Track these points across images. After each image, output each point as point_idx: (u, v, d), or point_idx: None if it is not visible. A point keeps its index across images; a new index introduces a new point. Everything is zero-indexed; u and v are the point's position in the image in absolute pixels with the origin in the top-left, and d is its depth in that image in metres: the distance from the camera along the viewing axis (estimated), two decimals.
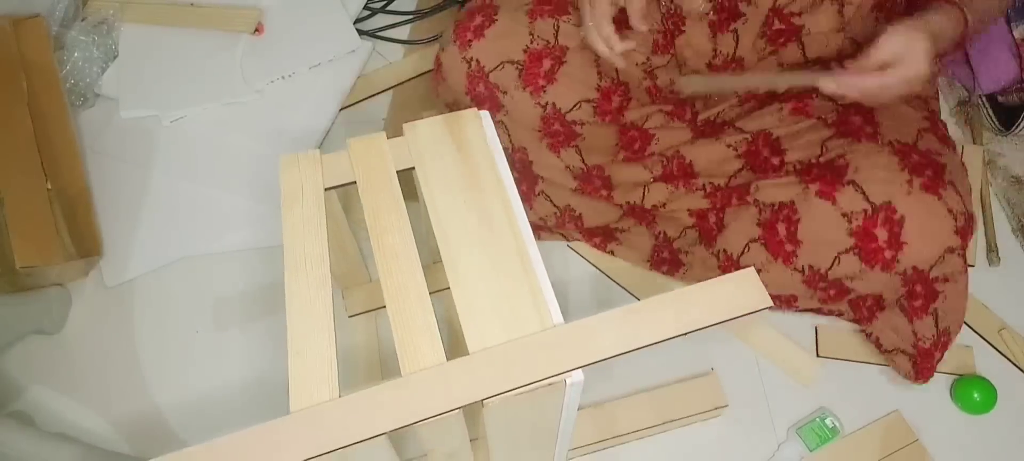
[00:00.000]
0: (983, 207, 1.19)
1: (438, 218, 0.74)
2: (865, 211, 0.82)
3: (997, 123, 1.24)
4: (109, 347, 1.09)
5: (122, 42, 1.33)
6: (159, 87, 1.29)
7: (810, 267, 0.88)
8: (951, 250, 0.82)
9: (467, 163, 0.79)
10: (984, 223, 1.17)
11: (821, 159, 0.86)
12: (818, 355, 1.06)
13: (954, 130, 1.28)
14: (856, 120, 0.86)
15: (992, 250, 1.14)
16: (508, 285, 0.70)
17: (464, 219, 0.74)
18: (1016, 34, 1.22)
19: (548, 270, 0.72)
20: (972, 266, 1.13)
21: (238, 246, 1.17)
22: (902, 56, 0.78)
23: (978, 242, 1.16)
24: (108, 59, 1.32)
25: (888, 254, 0.82)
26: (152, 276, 1.14)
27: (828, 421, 0.98)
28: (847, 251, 0.84)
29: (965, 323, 1.08)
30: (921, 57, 0.77)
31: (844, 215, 0.83)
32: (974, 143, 1.24)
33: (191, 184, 1.22)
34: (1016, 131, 1.20)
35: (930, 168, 0.81)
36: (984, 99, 1.27)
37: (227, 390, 1.06)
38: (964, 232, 0.81)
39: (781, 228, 0.88)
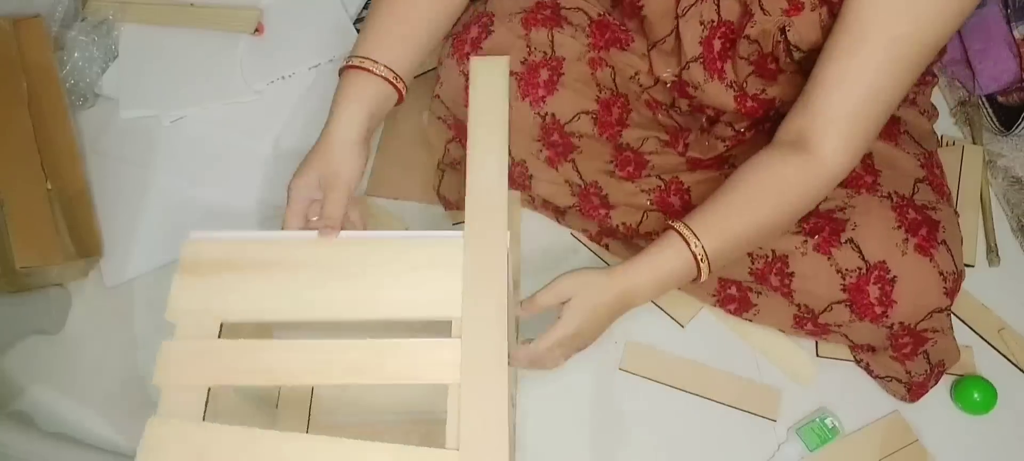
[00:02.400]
0: (983, 207, 1.19)
1: None
2: (859, 269, 0.84)
3: (997, 123, 1.24)
4: (109, 347, 1.09)
5: (122, 42, 1.33)
6: (159, 87, 1.28)
7: (805, 306, 0.91)
8: (939, 310, 0.85)
9: None
10: (984, 223, 1.17)
11: (820, 207, 0.87)
12: (818, 355, 1.06)
13: (954, 130, 1.28)
14: (856, 168, 0.86)
15: (992, 250, 1.14)
16: None
17: None
18: (1016, 34, 1.22)
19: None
20: (972, 266, 1.13)
21: None
22: (573, 307, 0.76)
23: (978, 242, 1.16)
24: (108, 59, 1.32)
25: (878, 309, 0.84)
26: (152, 276, 1.14)
27: (828, 421, 0.98)
28: (839, 302, 0.87)
29: (965, 323, 1.08)
30: (591, 321, 0.76)
31: (839, 271, 0.85)
32: (974, 143, 1.24)
33: (191, 184, 1.22)
34: (1016, 131, 1.20)
35: (925, 226, 0.83)
36: (984, 99, 1.27)
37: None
38: (952, 291, 0.84)
39: (774, 279, 0.89)
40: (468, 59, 0.94)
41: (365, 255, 0.70)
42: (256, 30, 1.34)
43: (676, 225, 0.78)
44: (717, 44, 0.89)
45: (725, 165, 0.97)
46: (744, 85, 0.92)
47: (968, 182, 1.20)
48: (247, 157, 1.24)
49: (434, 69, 1.29)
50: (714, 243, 0.77)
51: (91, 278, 1.14)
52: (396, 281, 0.68)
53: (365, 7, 1.42)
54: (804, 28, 0.80)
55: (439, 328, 0.67)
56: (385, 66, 0.78)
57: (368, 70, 0.77)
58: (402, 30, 0.80)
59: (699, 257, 0.77)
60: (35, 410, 1.04)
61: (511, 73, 0.93)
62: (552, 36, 0.93)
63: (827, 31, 0.78)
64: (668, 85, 0.98)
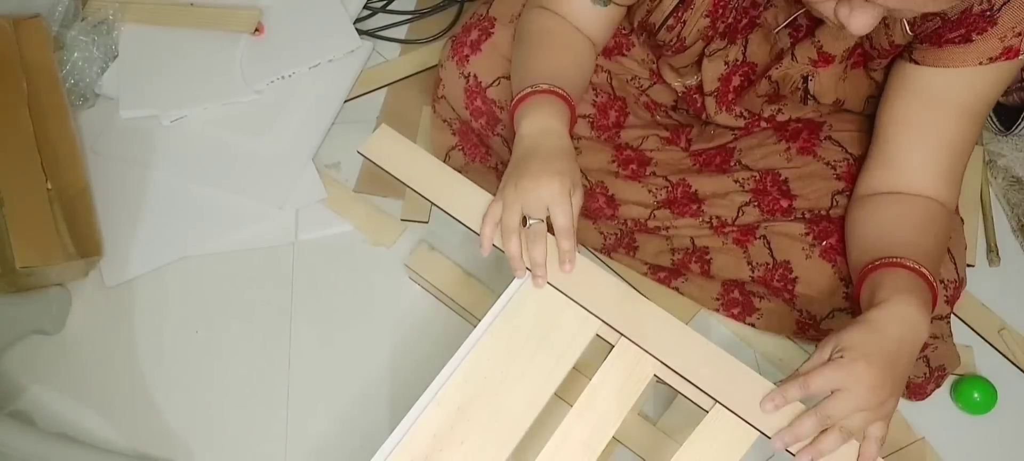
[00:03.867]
0: (983, 207, 1.19)
1: None
2: None
3: (997, 123, 1.24)
4: (109, 347, 1.09)
5: (122, 42, 1.33)
6: (159, 87, 1.28)
7: (808, 312, 0.91)
8: (939, 317, 0.86)
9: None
10: (984, 223, 1.17)
11: (830, 212, 0.87)
12: None
13: None
14: None
15: (992, 250, 1.14)
16: None
17: None
18: None
19: None
20: (972, 266, 1.13)
21: (238, 246, 1.17)
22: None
23: (978, 242, 1.16)
24: (108, 59, 1.32)
25: None
26: (152, 276, 1.14)
27: None
28: (842, 310, 0.87)
29: (965, 323, 1.08)
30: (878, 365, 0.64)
31: (842, 279, 0.85)
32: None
33: (191, 184, 1.22)
34: (1016, 131, 1.20)
35: None
36: None
37: (227, 390, 1.06)
38: (952, 299, 0.85)
39: (777, 284, 0.89)
40: (468, 61, 0.95)
41: None
42: (256, 30, 1.34)
43: (908, 264, 0.71)
44: (735, 80, 0.90)
45: (731, 160, 0.97)
46: (760, 112, 0.93)
47: (968, 182, 1.20)
48: (247, 157, 1.23)
49: (434, 67, 1.30)
50: (930, 268, 0.71)
51: (91, 278, 1.14)
52: None
53: (365, 7, 1.42)
54: (827, 81, 0.82)
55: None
56: (561, 89, 0.80)
57: (552, 92, 0.79)
58: (561, 64, 0.84)
59: (933, 282, 0.71)
60: (35, 410, 1.04)
61: (508, 78, 0.94)
62: None
63: (848, 86, 0.82)
64: (679, 93, 0.98)
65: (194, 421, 1.04)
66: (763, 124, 0.95)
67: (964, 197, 1.18)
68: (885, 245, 0.75)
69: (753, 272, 0.92)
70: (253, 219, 1.19)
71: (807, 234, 0.87)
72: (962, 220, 0.94)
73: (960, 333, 1.07)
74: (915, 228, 0.76)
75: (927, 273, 0.71)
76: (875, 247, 0.76)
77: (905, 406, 1.01)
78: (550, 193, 0.71)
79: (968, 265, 1.12)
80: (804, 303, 0.90)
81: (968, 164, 1.18)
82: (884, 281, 0.70)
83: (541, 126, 0.77)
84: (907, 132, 0.78)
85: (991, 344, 1.07)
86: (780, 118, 0.94)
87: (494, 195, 0.77)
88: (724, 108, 0.93)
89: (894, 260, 0.72)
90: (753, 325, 1.00)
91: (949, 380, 1.03)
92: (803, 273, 0.87)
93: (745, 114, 0.93)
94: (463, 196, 0.77)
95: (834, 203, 0.88)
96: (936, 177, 0.78)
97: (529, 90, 0.79)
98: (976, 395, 1.00)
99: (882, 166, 0.80)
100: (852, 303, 0.85)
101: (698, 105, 0.96)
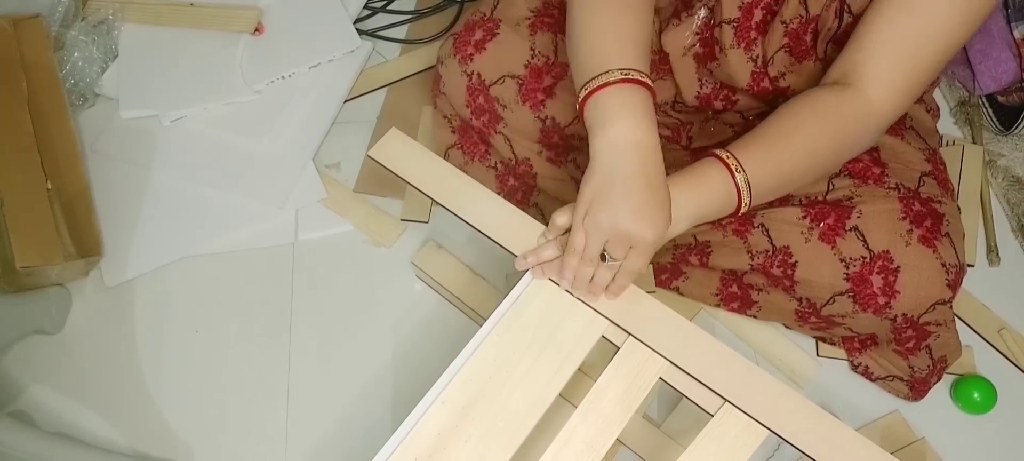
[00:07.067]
0: (983, 207, 1.19)
1: None
2: (863, 258, 0.84)
3: (997, 123, 1.24)
4: (109, 347, 1.09)
5: (122, 42, 1.33)
6: (159, 87, 1.28)
7: (807, 300, 0.90)
8: (942, 301, 0.85)
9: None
10: (984, 223, 1.17)
11: (827, 196, 0.87)
12: (818, 355, 1.06)
13: (954, 130, 1.28)
14: (863, 158, 0.87)
15: (992, 250, 1.14)
16: None
17: None
18: (1016, 34, 1.22)
19: None
20: (972, 266, 1.13)
21: (238, 246, 1.17)
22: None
23: (978, 242, 1.16)
24: (108, 59, 1.32)
25: (881, 300, 0.84)
26: (152, 276, 1.14)
27: None
28: (842, 293, 0.86)
29: (965, 323, 1.08)
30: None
31: (842, 260, 0.85)
32: (974, 143, 1.24)
33: (191, 184, 1.22)
34: (1016, 131, 1.20)
35: (929, 218, 0.83)
36: (984, 99, 1.27)
37: (226, 390, 1.06)
38: (954, 284, 0.84)
39: (777, 270, 0.89)
40: (471, 60, 0.95)
41: None
42: (256, 30, 1.34)
43: (719, 152, 0.74)
44: (757, 14, 0.85)
45: None
46: (769, 63, 0.89)
47: (968, 182, 1.20)
48: (247, 157, 1.23)
49: (434, 66, 1.30)
50: (756, 172, 0.73)
51: (91, 278, 1.14)
52: None
53: (365, 7, 1.42)
54: None
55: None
56: (640, 73, 0.72)
57: (635, 82, 0.70)
58: (634, 38, 0.75)
59: (741, 186, 0.73)
60: (35, 410, 1.04)
61: (514, 76, 0.94)
62: (556, 41, 0.94)
63: None
64: (687, 52, 0.93)
65: (194, 421, 1.04)
66: (765, 82, 0.91)
67: (964, 197, 1.18)
68: (768, 134, 0.76)
69: (753, 261, 0.91)
70: (253, 219, 1.19)
71: (804, 218, 0.87)
72: (959, 208, 0.94)
73: (960, 333, 1.07)
74: (795, 115, 0.76)
75: (731, 163, 0.73)
76: (761, 130, 0.77)
77: (905, 406, 1.02)
78: (644, 239, 0.67)
79: (968, 265, 1.12)
80: (804, 290, 0.89)
81: (968, 164, 1.21)
82: (693, 167, 0.74)
83: (634, 140, 0.68)
84: (881, 7, 0.74)
85: (991, 344, 1.07)
86: (782, 84, 0.91)
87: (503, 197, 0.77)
88: (742, 45, 0.87)
89: (713, 151, 0.74)
90: (754, 317, 1.00)
91: (949, 380, 1.03)
92: (803, 257, 0.87)
93: (756, 61, 0.89)
94: (476, 200, 0.78)
95: (831, 187, 0.88)
96: (889, 66, 0.74)
97: (603, 82, 0.70)
98: (976, 395, 1.00)
99: (846, 51, 0.78)
100: (853, 284, 0.85)
101: (711, 45, 0.90)
